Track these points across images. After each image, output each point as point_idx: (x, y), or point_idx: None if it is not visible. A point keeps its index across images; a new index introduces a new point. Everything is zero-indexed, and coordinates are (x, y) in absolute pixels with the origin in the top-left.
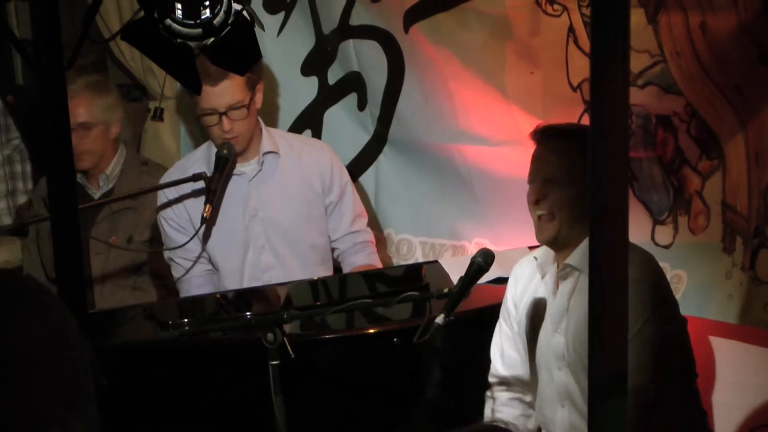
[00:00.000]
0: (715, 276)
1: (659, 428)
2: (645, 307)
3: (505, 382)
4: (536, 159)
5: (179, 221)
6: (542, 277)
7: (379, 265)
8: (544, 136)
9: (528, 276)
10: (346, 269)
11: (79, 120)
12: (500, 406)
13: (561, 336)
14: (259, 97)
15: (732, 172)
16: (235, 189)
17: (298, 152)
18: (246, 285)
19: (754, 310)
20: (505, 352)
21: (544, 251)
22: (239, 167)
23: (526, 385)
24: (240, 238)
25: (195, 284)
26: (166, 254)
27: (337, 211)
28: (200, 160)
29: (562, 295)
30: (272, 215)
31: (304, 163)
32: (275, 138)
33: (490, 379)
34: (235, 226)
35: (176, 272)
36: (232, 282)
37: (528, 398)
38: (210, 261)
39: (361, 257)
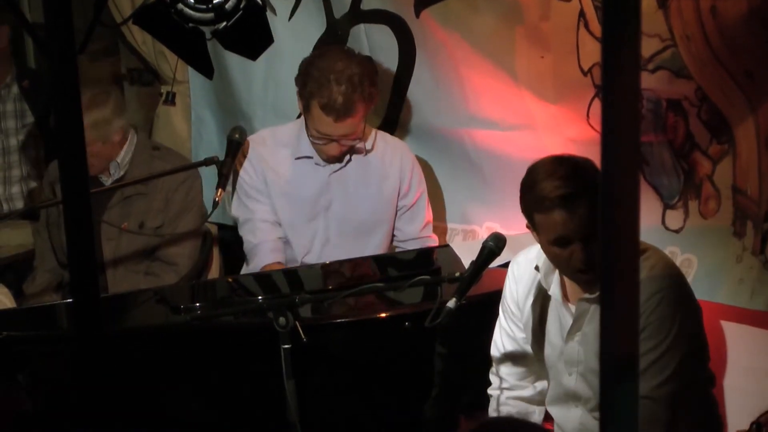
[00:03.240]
0: (726, 260)
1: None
2: (672, 320)
3: (505, 380)
4: (564, 222)
5: (253, 186)
6: (548, 289)
7: None
8: (568, 202)
9: (528, 278)
10: None
11: None
12: (500, 406)
13: (575, 344)
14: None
15: (742, 156)
16: (314, 177)
17: (381, 152)
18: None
19: (765, 294)
20: (506, 350)
21: (545, 260)
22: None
23: (527, 380)
24: (308, 227)
25: (270, 248)
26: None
27: (409, 214)
28: (293, 135)
29: (582, 309)
30: (345, 212)
31: (386, 164)
32: (364, 136)
33: (491, 377)
34: (306, 214)
35: (249, 240)
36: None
37: (527, 393)
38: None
39: None
